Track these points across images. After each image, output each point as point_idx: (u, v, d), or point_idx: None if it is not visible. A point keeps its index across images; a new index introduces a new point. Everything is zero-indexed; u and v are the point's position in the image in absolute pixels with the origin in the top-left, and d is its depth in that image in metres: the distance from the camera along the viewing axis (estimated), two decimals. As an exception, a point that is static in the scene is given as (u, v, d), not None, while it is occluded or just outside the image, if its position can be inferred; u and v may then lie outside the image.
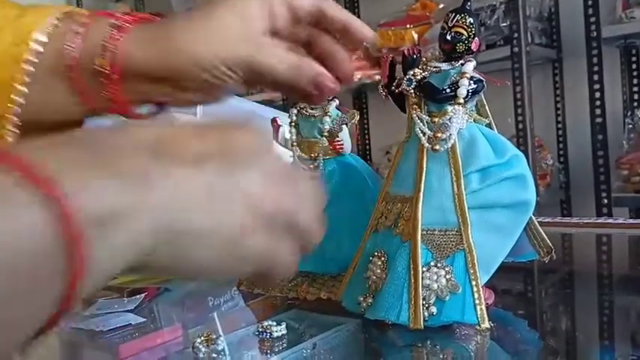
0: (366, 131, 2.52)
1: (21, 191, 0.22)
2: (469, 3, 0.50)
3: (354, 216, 0.57)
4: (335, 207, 0.59)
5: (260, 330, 0.49)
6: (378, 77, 2.19)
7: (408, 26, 2.17)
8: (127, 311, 0.59)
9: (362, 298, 0.50)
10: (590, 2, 1.61)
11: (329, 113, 0.59)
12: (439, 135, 0.48)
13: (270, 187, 0.30)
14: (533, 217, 0.50)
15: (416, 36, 2.12)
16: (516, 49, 1.74)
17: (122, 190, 0.24)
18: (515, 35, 1.75)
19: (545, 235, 0.51)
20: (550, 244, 0.51)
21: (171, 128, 0.29)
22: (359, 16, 2.64)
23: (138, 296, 0.63)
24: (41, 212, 0.22)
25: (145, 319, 0.57)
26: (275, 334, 0.48)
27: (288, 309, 0.57)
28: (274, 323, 0.49)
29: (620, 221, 0.87)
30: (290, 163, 0.34)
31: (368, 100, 2.53)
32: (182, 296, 0.69)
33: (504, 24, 1.82)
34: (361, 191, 0.59)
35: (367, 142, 2.52)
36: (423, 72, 0.50)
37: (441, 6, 2.15)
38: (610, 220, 0.88)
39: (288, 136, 0.60)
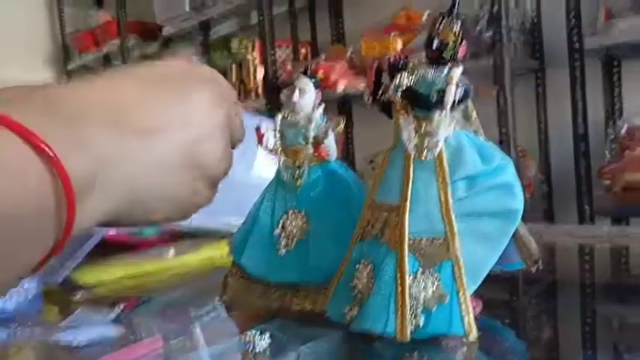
0: (350, 140, 2.52)
1: (26, 155, 0.26)
2: (456, 9, 0.49)
3: (340, 224, 0.56)
4: (320, 215, 0.58)
5: (244, 341, 0.48)
6: (362, 86, 2.19)
7: (392, 35, 2.17)
8: (106, 323, 0.57)
9: (348, 309, 0.49)
10: (572, 13, 1.62)
11: (315, 119, 0.58)
12: (426, 142, 0.47)
13: (217, 152, 0.38)
14: (521, 225, 0.49)
15: (400, 45, 2.12)
16: (499, 60, 1.75)
17: (99, 165, 0.30)
18: (498, 46, 1.76)
19: (533, 244, 0.50)
20: (538, 254, 0.50)
21: (127, 91, 0.33)
22: (343, 26, 2.65)
23: (116, 307, 0.61)
24: (46, 175, 0.27)
25: (124, 331, 0.55)
26: (259, 346, 0.47)
27: (271, 320, 0.55)
28: (258, 333, 0.48)
29: (606, 230, 0.87)
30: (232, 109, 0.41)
31: (352, 109, 2.53)
32: (163, 307, 0.68)
33: (487, 34, 1.83)
34: (347, 199, 0.58)
35: (351, 150, 2.52)
36: (410, 79, 0.50)
37: (425, 16, 2.17)
38: (593, 229, 0.88)
39: (272, 142, 0.59)
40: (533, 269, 0.51)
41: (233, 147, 0.42)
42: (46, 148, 0.27)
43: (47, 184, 0.27)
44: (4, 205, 0.25)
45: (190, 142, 0.35)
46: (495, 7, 1.74)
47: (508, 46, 1.74)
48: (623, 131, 1.63)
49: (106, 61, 4.24)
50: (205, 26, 3.39)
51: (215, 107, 0.37)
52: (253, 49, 2.83)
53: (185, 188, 0.36)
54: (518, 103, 1.80)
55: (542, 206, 1.90)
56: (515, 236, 0.50)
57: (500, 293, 0.64)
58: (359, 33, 2.30)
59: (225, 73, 3.06)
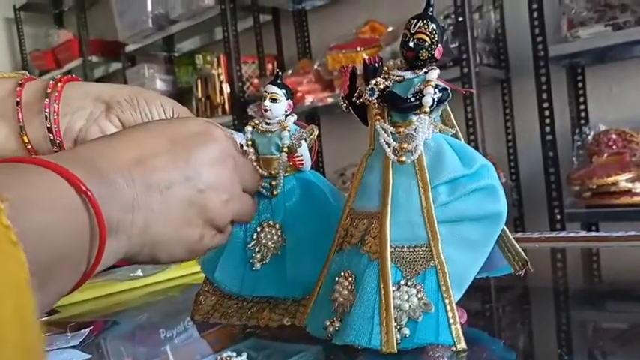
0: (319, 154, 2.51)
1: (71, 196, 0.32)
2: (431, 9, 0.48)
3: (317, 235, 0.54)
4: (295, 226, 0.56)
5: (219, 362, 0.45)
6: (330, 100, 2.19)
7: (358, 49, 2.18)
8: (71, 347, 0.54)
9: (329, 322, 0.46)
10: (536, 22, 1.64)
11: (287, 128, 0.56)
12: (405, 146, 0.46)
13: (222, 203, 0.43)
14: (506, 229, 0.48)
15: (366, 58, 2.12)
16: (466, 70, 1.76)
17: (123, 211, 0.36)
18: (465, 56, 1.77)
19: (519, 248, 0.49)
20: (525, 257, 0.49)
21: (152, 149, 0.39)
22: (309, 40, 2.65)
23: (83, 331, 0.58)
24: (86, 216, 0.33)
25: (90, 355, 0.52)
26: (235, 366, 0.44)
27: (246, 338, 0.53)
28: (234, 354, 0.46)
29: (582, 234, 0.86)
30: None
31: (320, 122, 2.52)
32: (132, 329, 0.65)
33: (453, 45, 1.85)
34: (323, 209, 0.55)
35: (321, 164, 2.50)
36: (386, 81, 0.48)
37: (390, 29, 2.18)
38: (572, 234, 0.88)
39: (242, 154, 0.57)
40: (522, 273, 0.49)
41: (250, 193, 0.50)
42: (90, 195, 0.33)
43: (87, 225, 0.33)
44: (58, 241, 0.31)
45: (196, 194, 0.41)
46: (460, 18, 1.75)
47: (474, 57, 1.76)
48: (589, 137, 1.65)
49: (68, 80, 4.17)
50: (169, 43, 3.36)
51: (220, 163, 0.43)
52: (219, 65, 2.81)
53: (192, 234, 0.42)
54: (485, 112, 1.82)
55: (512, 214, 1.91)
56: (500, 240, 0.49)
57: (485, 301, 0.62)
58: (325, 47, 2.30)
59: (190, 89, 3.02)
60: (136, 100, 0.54)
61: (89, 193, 0.33)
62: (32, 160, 0.33)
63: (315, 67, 2.31)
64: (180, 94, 3.26)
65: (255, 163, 0.57)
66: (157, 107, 0.55)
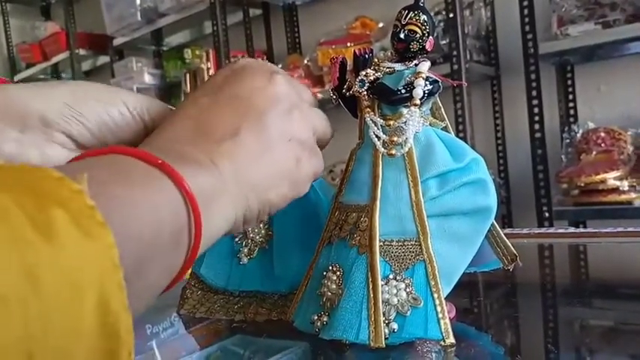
0: (308, 150, 2.50)
1: (157, 178, 0.30)
2: (422, 0, 0.47)
3: (305, 229, 0.53)
4: (283, 220, 0.55)
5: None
6: (319, 95, 2.18)
7: (348, 44, 2.17)
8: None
9: (316, 317, 0.46)
10: (526, 20, 1.64)
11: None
12: (395, 139, 0.45)
13: (298, 117, 0.42)
14: (495, 223, 0.47)
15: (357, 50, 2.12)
16: (456, 67, 1.76)
17: (209, 180, 0.33)
18: (455, 53, 1.77)
19: (508, 242, 0.48)
20: (514, 252, 0.48)
21: (217, 122, 0.37)
22: (299, 35, 2.63)
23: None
24: (175, 197, 0.30)
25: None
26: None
27: (232, 334, 0.52)
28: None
29: (570, 231, 0.86)
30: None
31: (309, 118, 2.51)
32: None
33: (444, 42, 1.84)
34: (312, 202, 0.55)
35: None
36: (376, 73, 0.47)
37: (381, 25, 2.17)
38: (560, 230, 0.87)
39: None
40: (511, 268, 0.49)
41: (322, 144, 0.48)
42: (174, 171, 0.30)
43: (177, 203, 0.30)
44: (145, 227, 0.27)
45: (282, 114, 0.40)
46: (451, 15, 1.75)
47: (464, 53, 1.76)
48: (578, 135, 1.65)
49: (55, 72, 4.13)
50: (158, 36, 3.33)
51: (288, 116, 0.41)
52: (208, 59, 2.79)
53: (288, 159, 0.40)
54: (474, 109, 1.82)
55: (500, 212, 1.91)
56: (489, 235, 0.48)
57: (474, 296, 0.62)
58: (315, 42, 2.29)
59: (179, 84, 3.00)
60: (76, 112, 0.40)
61: (190, 193, 0.31)
62: (134, 153, 0.30)
63: (305, 62, 2.30)
64: (169, 89, 3.24)
65: None
66: (118, 108, 0.42)
